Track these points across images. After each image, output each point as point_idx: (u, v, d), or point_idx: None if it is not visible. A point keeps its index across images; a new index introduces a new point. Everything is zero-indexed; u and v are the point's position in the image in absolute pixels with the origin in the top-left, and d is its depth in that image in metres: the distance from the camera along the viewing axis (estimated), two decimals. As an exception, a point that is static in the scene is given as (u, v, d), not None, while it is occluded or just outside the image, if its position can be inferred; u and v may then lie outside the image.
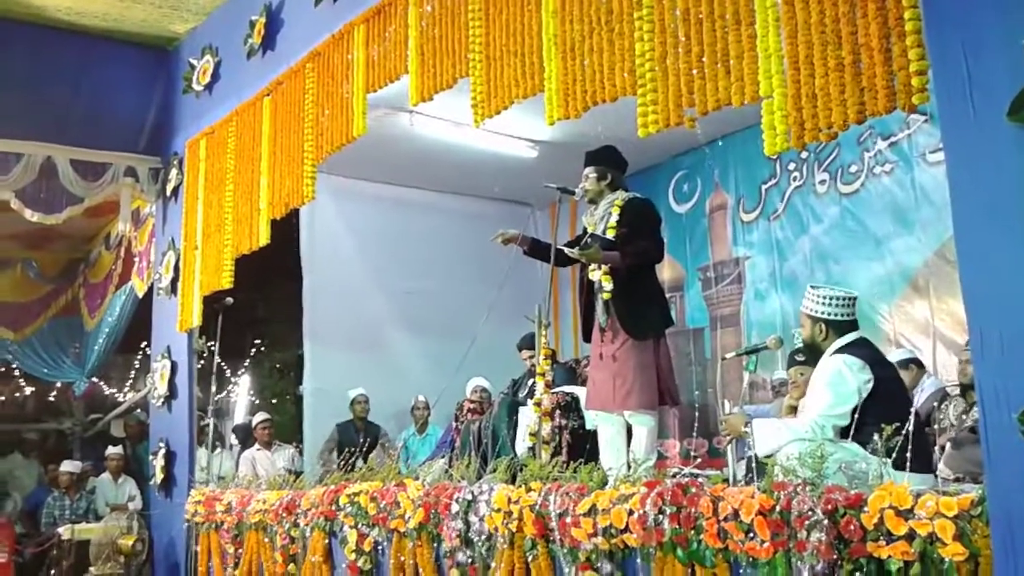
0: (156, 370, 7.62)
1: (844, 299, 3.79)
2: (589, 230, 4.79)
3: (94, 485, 8.97)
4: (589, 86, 4.00)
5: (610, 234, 4.61)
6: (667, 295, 7.96)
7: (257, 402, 12.27)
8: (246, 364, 12.88)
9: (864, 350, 3.70)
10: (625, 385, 4.50)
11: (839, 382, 3.58)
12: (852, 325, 3.82)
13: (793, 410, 4.82)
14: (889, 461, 3.07)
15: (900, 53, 2.90)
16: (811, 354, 3.91)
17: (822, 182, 7.05)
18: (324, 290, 8.01)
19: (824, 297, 3.79)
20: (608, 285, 4.58)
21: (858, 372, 3.56)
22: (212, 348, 7.26)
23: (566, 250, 4.64)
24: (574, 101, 4.06)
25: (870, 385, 3.55)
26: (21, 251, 10.26)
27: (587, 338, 4.86)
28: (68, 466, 8.78)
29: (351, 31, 5.56)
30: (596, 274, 4.66)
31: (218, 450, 8.29)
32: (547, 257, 4.86)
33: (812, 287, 3.90)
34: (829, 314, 3.78)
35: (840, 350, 3.70)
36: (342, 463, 5.64)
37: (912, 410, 3.14)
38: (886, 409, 3.34)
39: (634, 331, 4.55)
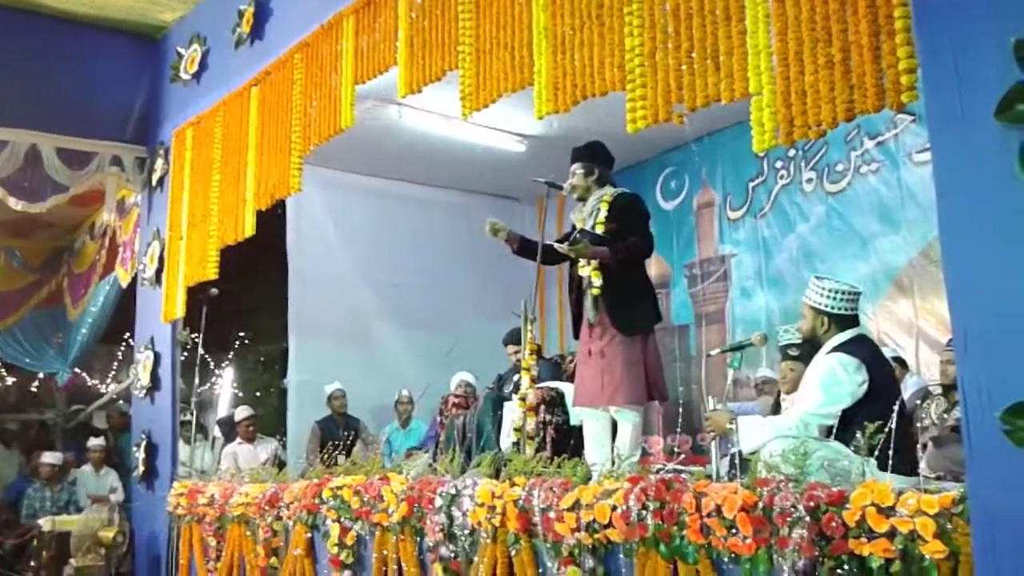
0: (139, 361, 7.57)
1: (848, 293, 3.75)
2: (578, 227, 4.78)
3: (75, 476, 8.91)
4: (578, 80, 3.99)
5: (599, 230, 4.60)
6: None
7: (241, 395, 12.21)
8: (230, 356, 12.82)
9: (862, 348, 3.66)
10: (613, 381, 4.49)
11: (833, 383, 3.55)
12: (854, 320, 3.78)
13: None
14: (873, 460, 3.07)
15: (889, 51, 2.90)
16: (810, 347, 3.88)
17: (809, 180, 7.07)
18: (310, 282, 7.98)
19: (829, 290, 3.74)
20: (597, 281, 4.57)
21: (853, 374, 3.53)
22: (196, 339, 7.23)
23: (556, 246, 4.63)
24: (563, 95, 4.05)
25: (864, 387, 3.52)
26: (4, 240, 10.19)
27: (578, 335, 4.85)
28: (49, 457, 8.73)
29: (340, 22, 5.53)
30: (585, 270, 4.65)
31: (199, 442, 8.23)
32: (536, 256, 4.84)
33: (817, 278, 3.85)
34: (832, 307, 3.74)
35: (839, 347, 3.67)
36: (324, 457, 5.63)
37: (895, 409, 3.14)
38: (877, 409, 3.30)
39: (624, 327, 4.53)
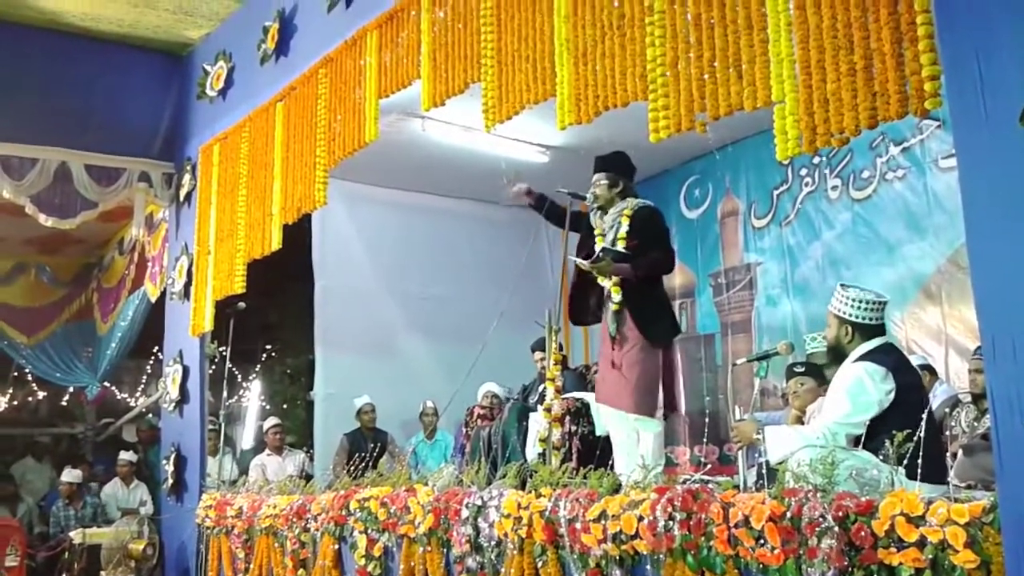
0: (168, 375, 7.65)
1: (873, 303, 3.69)
2: (596, 233, 4.81)
3: (102, 490, 8.97)
4: (600, 91, 4.00)
5: (620, 244, 4.65)
6: (678, 301, 8.02)
7: (268, 407, 12.28)
8: (257, 369, 12.91)
9: (889, 357, 3.61)
10: (629, 391, 4.56)
11: (859, 391, 3.50)
12: (879, 329, 3.72)
13: (799, 420, 4.82)
14: (901, 469, 3.04)
15: (912, 58, 2.89)
16: (835, 356, 3.83)
17: (834, 188, 7.02)
18: (336, 295, 8.02)
19: (853, 300, 3.68)
20: (617, 296, 4.63)
21: (880, 383, 3.48)
22: (224, 353, 7.28)
23: (578, 262, 4.68)
24: (585, 106, 4.07)
25: (892, 396, 3.46)
26: (35, 256, 10.33)
27: (575, 321, 5.05)
28: (67, 476, 8.71)
29: (364, 37, 5.58)
30: (606, 283, 4.69)
31: (225, 454, 8.29)
32: (554, 218, 5.12)
33: (842, 286, 3.79)
34: (857, 317, 3.67)
35: (864, 356, 3.61)
36: (351, 469, 5.65)
37: (923, 417, 3.10)
38: (905, 418, 3.27)
39: (649, 337, 4.60)
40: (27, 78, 7.39)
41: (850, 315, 3.70)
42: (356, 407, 7.67)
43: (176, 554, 7.18)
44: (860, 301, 3.69)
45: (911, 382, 3.63)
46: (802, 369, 4.97)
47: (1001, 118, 2.55)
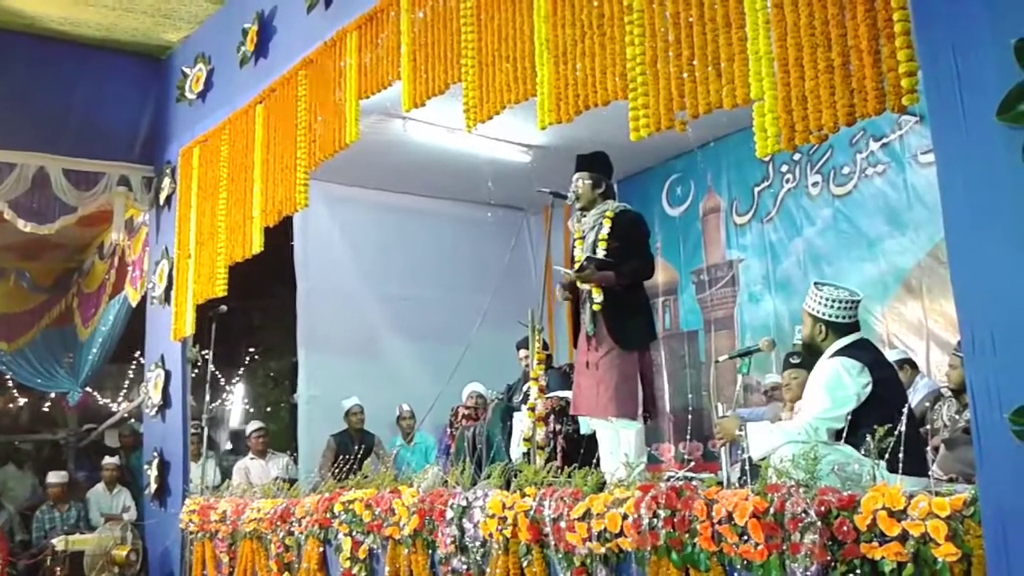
0: (150, 379, 7.60)
1: (847, 302, 3.70)
2: (575, 235, 4.82)
3: (88, 495, 8.92)
4: (581, 90, 4.01)
5: (601, 246, 4.66)
6: (661, 298, 8.04)
7: (252, 410, 12.23)
8: (240, 372, 12.85)
9: (864, 352, 3.64)
10: (607, 392, 4.56)
11: (836, 386, 3.53)
12: (853, 326, 3.74)
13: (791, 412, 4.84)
14: (882, 463, 3.06)
15: (889, 54, 2.91)
16: (810, 353, 3.85)
17: (815, 184, 7.06)
18: (318, 297, 8.00)
19: (827, 299, 3.70)
20: (598, 297, 4.65)
21: (856, 376, 3.51)
22: (206, 357, 7.24)
23: (562, 270, 4.70)
24: (566, 105, 4.07)
25: (868, 389, 3.50)
26: (14, 261, 10.26)
27: (577, 345, 4.89)
28: (55, 477, 8.69)
29: (343, 38, 5.56)
30: (586, 284, 4.70)
31: (209, 458, 8.25)
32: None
33: (816, 285, 3.80)
34: (830, 316, 3.69)
35: (840, 352, 3.64)
36: (336, 471, 5.64)
37: (904, 411, 3.12)
38: (884, 412, 3.27)
39: (621, 342, 4.61)
40: (5, 82, 7.33)
41: (824, 314, 3.72)
42: (344, 408, 7.64)
43: (160, 559, 7.13)
44: (833, 300, 3.70)
45: (888, 376, 3.67)
46: (797, 361, 4.96)
47: (979, 113, 2.56)
